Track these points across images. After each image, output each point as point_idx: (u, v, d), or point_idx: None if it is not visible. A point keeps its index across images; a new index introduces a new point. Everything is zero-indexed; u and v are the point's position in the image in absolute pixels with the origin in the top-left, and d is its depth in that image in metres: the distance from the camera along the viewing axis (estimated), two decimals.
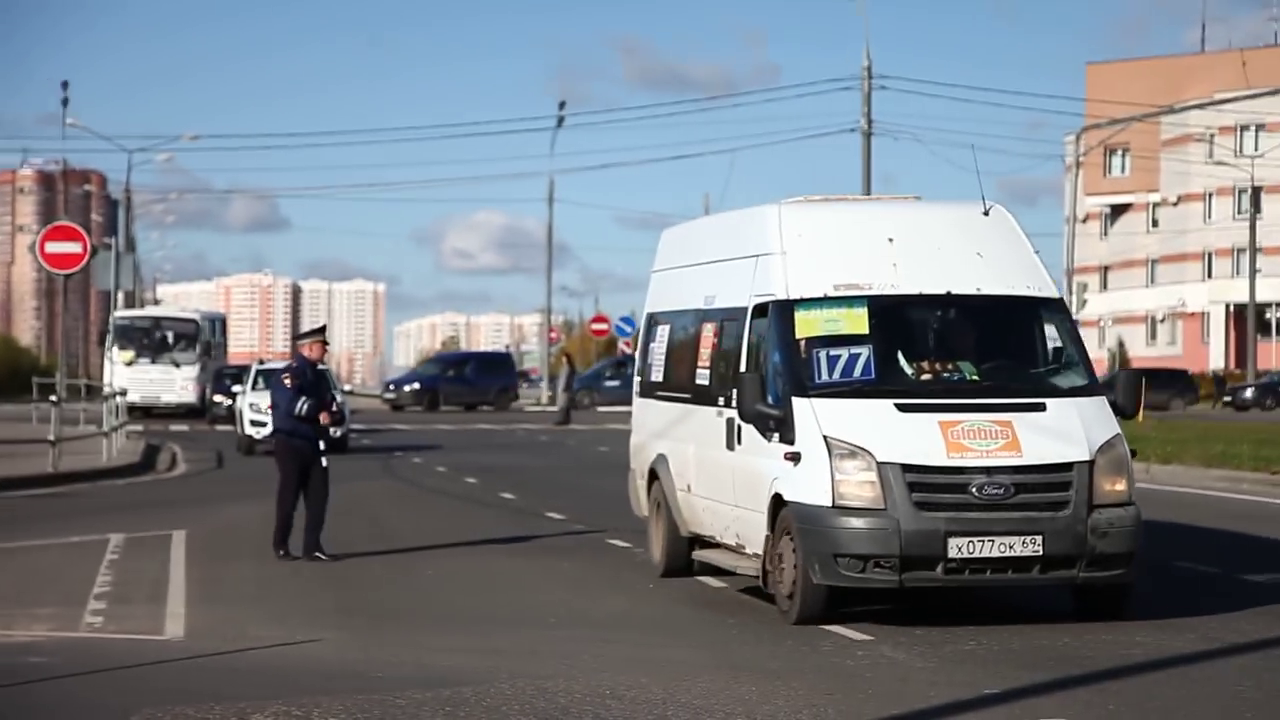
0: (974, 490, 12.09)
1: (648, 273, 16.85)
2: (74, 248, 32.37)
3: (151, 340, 53.26)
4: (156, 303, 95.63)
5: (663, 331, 15.94)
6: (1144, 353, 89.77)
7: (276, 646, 11.93)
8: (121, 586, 14.99)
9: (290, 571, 16.11)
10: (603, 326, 75.34)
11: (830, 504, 12.17)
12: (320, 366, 17.31)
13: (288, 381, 16.75)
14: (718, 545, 14.47)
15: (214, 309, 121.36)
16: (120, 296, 61.78)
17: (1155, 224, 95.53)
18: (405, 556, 17.29)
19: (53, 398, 30.03)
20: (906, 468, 12.11)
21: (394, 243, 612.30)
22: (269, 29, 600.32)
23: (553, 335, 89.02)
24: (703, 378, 14.51)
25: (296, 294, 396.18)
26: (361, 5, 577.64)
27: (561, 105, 70.10)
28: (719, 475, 14.04)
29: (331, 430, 17.58)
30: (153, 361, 52.40)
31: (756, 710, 9.75)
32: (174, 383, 51.97)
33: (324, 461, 16.85)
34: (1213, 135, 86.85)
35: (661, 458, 15.48)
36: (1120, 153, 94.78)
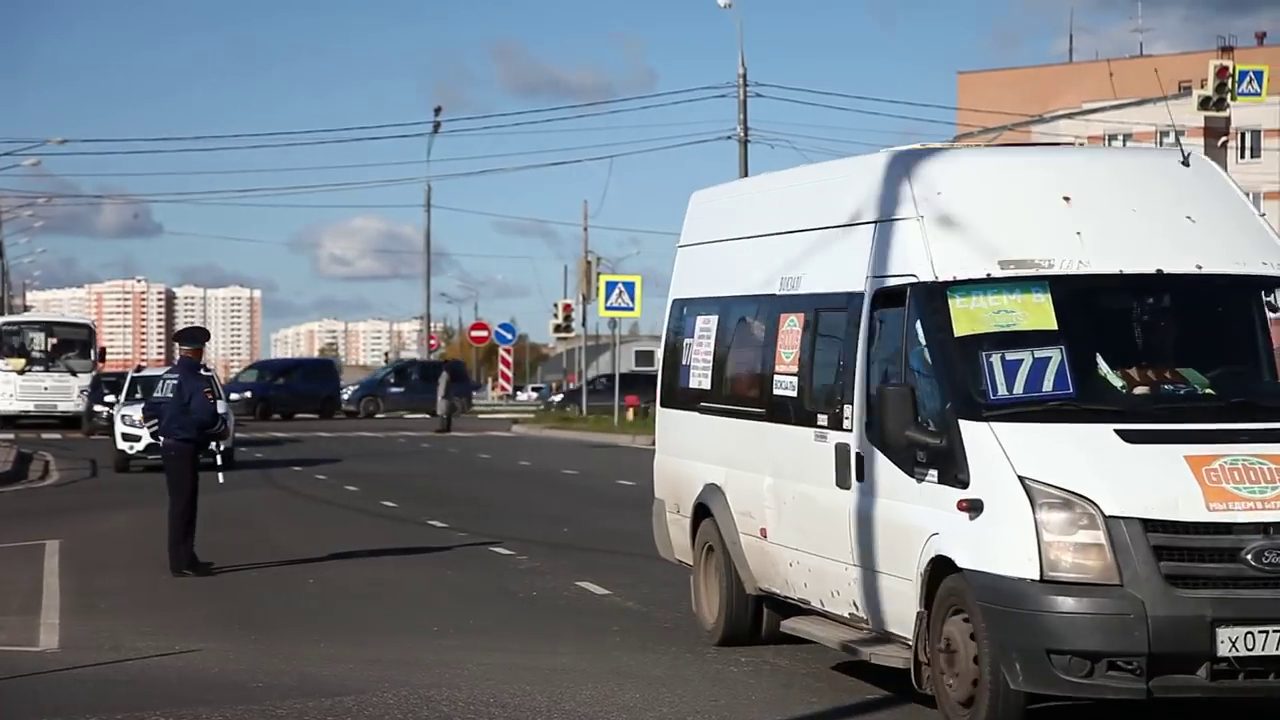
0: (1249, 558, 8.76)
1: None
2: None
3: (44, 347, 51.84)
4: (27, 309, 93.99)
5: (707, 324, 12.64)
6: None
7: (154, 657, 11.78)
8: None
9: (167, 581, 15.92)
10: (482, 333, 74.81)
11: (1037, 576, 8.77)
12: (205, 372, 17.23)
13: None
14: (812, 612, 11.20)
15: (86, 316, 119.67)
16: None
17: None
18: (286, 566, 17.15)
19: None
20: (1149, 524, 8.75)
21: (270, 249, 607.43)
22: (140, 33, 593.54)
23: (432, 342, 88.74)
24: (785, 387, 11.23)
25: (170, 300, 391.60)
26: (235, 12, 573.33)
27: (438, 111, 70.53)
28: (823, 521, 10.63)
29: (218, 444, 17.43)
30: (46, 369, 50.86)
31: (641, 717, 9.78)
32: (71, 391, 50.17)
33: (220, 478, 17.53)
34: (1082, 145, 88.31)
35: (714, 490, 12.22)
36: None
